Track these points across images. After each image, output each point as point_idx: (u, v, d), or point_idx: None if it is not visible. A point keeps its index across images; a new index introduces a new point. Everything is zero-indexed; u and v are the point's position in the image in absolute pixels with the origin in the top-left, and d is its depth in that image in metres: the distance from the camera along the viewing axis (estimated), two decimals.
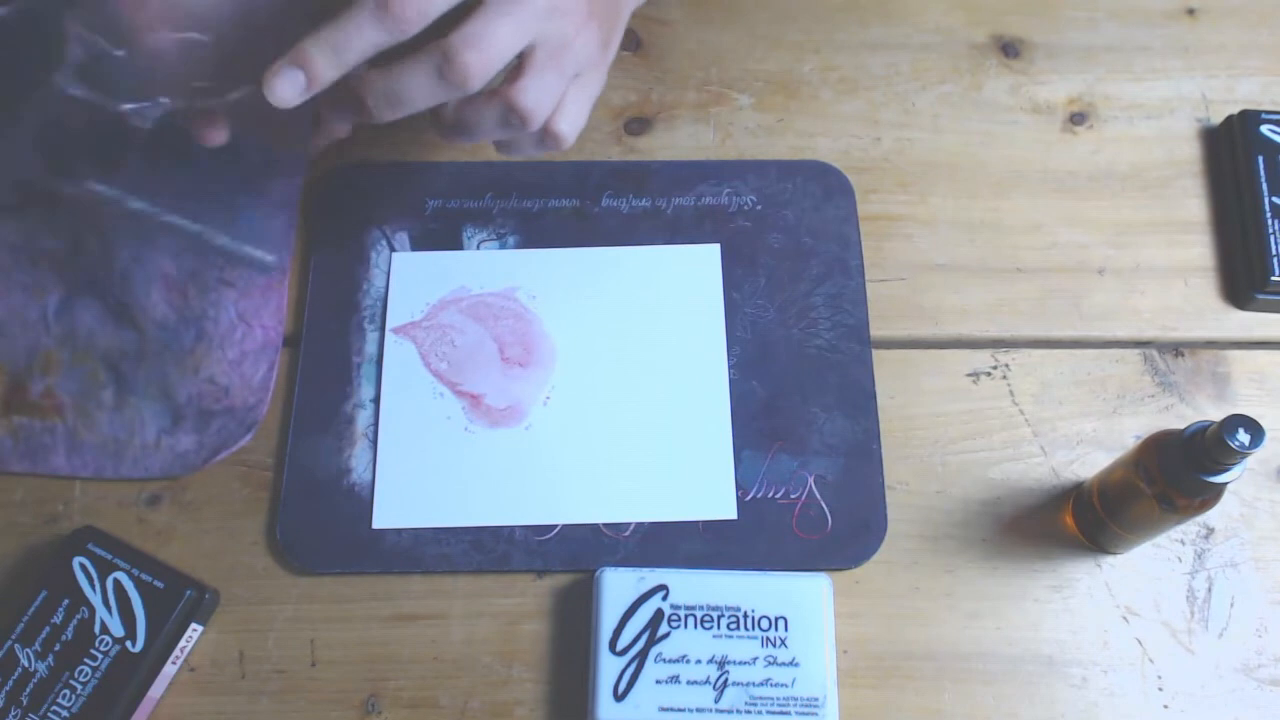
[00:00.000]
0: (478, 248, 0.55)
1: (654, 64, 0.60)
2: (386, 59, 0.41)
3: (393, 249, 0.55)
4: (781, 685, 0.45)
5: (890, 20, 0.61)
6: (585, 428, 0.51)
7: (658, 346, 0.53)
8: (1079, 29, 0.61)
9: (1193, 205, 0.57)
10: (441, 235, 0.55)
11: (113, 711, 0.44)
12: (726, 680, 0.45)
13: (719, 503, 0.50)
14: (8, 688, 0.45)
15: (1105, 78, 0.59)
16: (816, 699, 0.45)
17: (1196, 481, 0.41)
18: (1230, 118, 0.57)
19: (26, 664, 0.45)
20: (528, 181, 0.56)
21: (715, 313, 0.53)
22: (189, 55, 0.42)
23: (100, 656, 0.45)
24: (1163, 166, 0.57)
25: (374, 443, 0.51)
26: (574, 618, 0.48)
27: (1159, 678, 0.47)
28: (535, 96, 0.42)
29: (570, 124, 0.45)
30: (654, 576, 0.47)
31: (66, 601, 0.46)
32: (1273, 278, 0.53)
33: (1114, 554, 0.49)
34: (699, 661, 0.45)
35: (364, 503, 0.50)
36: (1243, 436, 0.38)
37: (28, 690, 0.44)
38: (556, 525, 0.49)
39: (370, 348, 0.53)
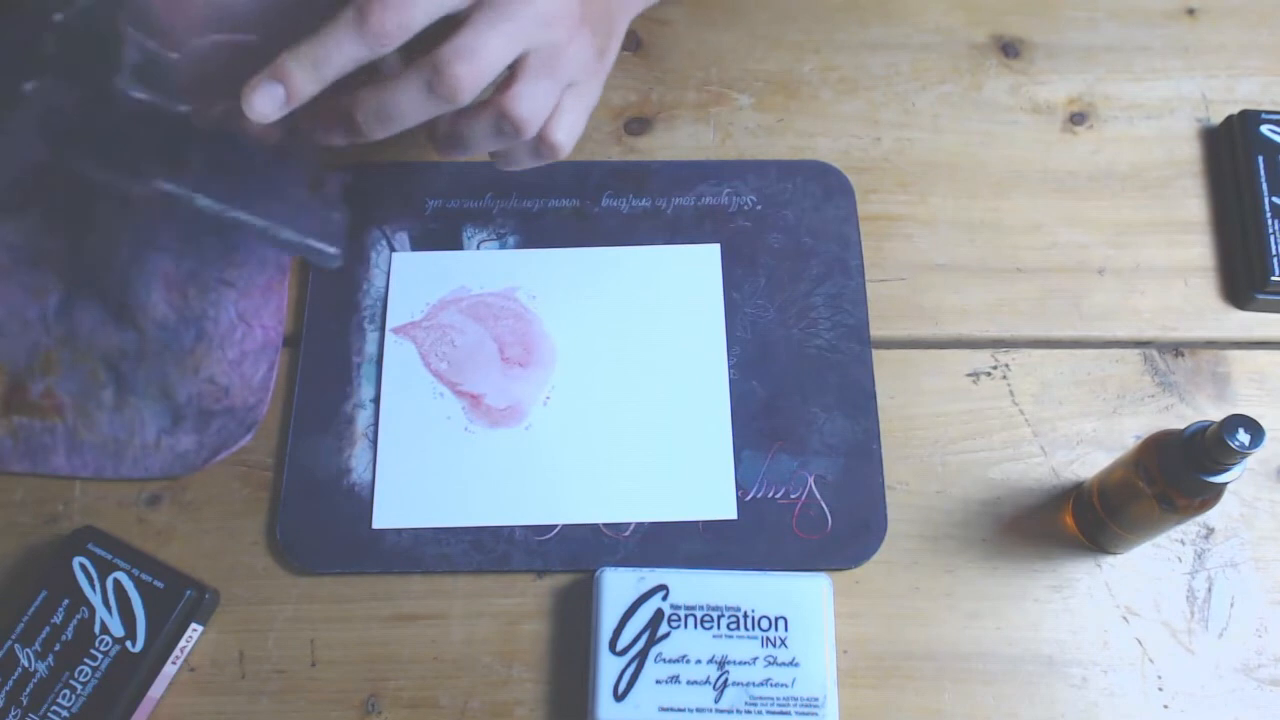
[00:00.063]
0: (478, 248, 0.55)
1: (654, 64, 0.60)
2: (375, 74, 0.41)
3: (393, 249, 0.55)
4: (781, 685, 0.45)
5: (890, 20, 0.61)
6: (585, 428, 0.51)
7: (658, 346, 0.53)
8: (1079, 29, 0.61)
9: (1193, 205, 0.57)
10: (441, 235, 0.55)
11: (113, 711, 0.44)
12: (726, 680, 0.45)
13: (719, 503, 0.50)
14: (8, 688, 0.45)
15: (1105, 78, 0.59)
16: (816, 699, 0.45)
17: (1196, 481, 0.41)
18: (1230, 118, 0.57)
19: (26, 664, 0.45)
20: (528, 181, 0.56)
21: (715, 313, 0.53)
22: (238, 56, 0.43)
23: (100, 656, 0.45)
24: (1163, 166, 0.57)
25: (374, 443, 0.51)
26: (574, 618, 0.48)
27: (1159, 678, 0.47)
28: (528, 104, 0.42)
29: (566, 133, 0.45)
30: (654, 576, 0.47)
31: (66, 601, 0.46)
32: (1273, 278, 0.53)
33: (1114, 554, 0.49)
34: (699, 661, 0.45)
35: (364, 503, 0.50)
36: (1243, 436, 0.38)
37: (28, 690, 0.45)
38: (556, 525, 0.49)
39: (370, 348, 0.53)
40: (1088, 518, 0.48)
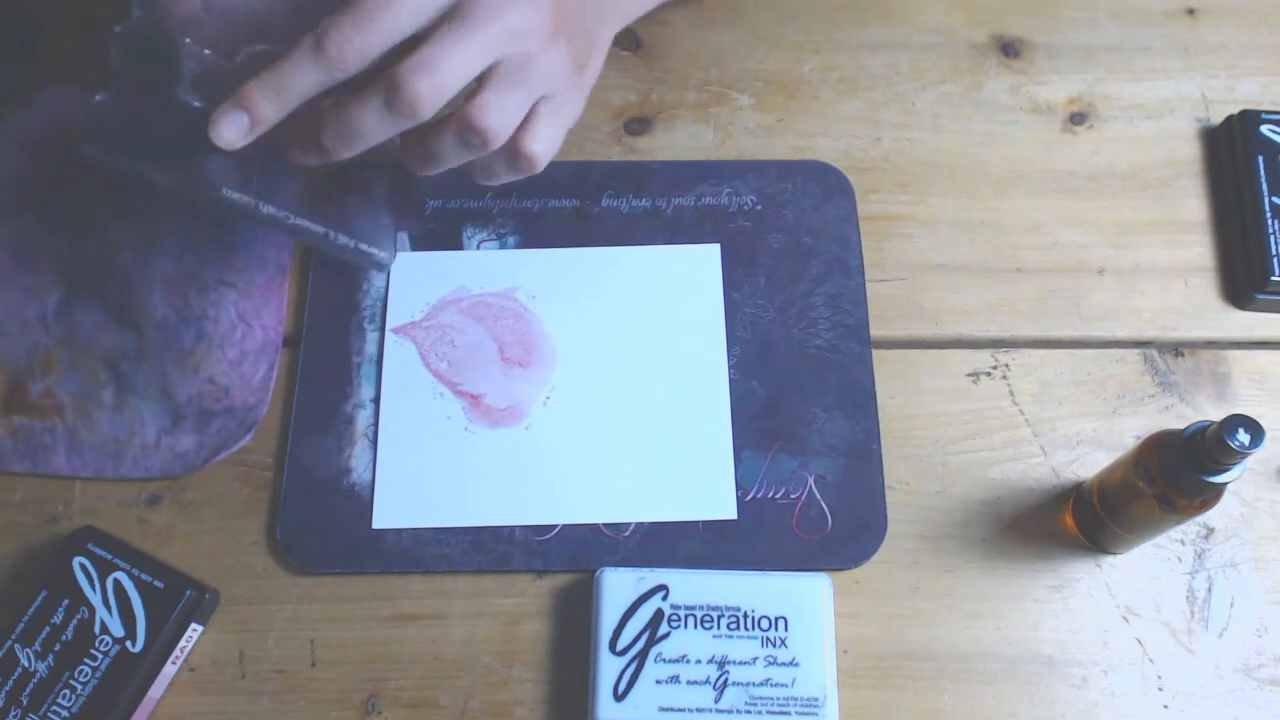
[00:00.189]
0: (478, 248, 0.55)
1: (654, 64, 0.60)
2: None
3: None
4: (781, 685, 0.45)
5: (890, 20, 0.61)
6: (585, 428, 0.51)
7: (658, 346, 0.53)
8: (1079, 29, 0.61)
9: (1193, 205, 0.57)
10: (441, 235, 0.55)
11: (113, 711, 0.44)
12: (726, 680, 0.45)
13: (719, 503, 0.50)
14: (8, 688, 0.45)
15: (1105, 78, 0.59)
16: (816, 699, 0.45)
17: (1196, 481, 0.41)
18: (1230, 118, 0.57)
19: (26, 664, 0.45)
20: (528, 182, 0.56)
21: (715, 313, 0.53)
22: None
23: (100, 656, 0.45)
24: (1163, 166, 0.57)
25: (374, 443, 0.51)
26: (574, 618, 0.48)
27: (1159, 678, 0.47)
28: (495, 115, 0.41)
29: (543, 145, 0.44)
30: (654, 576, 0.47)
31: (66, 601, 0.46)
32: (1273, 278, 0.53)
33: (1114, 554, 0.49)
34: (699, 661, 0.45)
35: (364, 503, 0.50)
36: (1243, 436, 0.38)
37: (28, 690, 0.45)
38: (556, 525, 0.49)
39: (370, 348, 0.53)
40: (1088, 518, 0.48)
